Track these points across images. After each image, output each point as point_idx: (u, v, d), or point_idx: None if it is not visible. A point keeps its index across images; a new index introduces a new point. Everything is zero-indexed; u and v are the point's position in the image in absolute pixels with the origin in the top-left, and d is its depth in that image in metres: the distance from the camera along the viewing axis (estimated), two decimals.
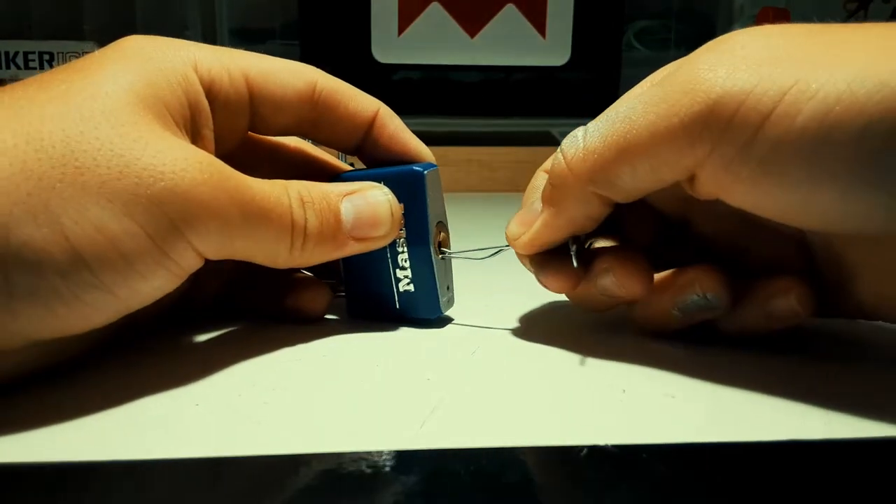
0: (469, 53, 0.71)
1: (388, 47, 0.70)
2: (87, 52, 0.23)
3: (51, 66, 0.66)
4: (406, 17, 0.69)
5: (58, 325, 0.19)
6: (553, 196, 0.23)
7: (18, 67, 0.66)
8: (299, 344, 0.25)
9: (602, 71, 0.73)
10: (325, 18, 0.70)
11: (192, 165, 0.20)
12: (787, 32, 0.20)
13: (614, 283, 0.24)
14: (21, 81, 0.21)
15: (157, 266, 0.20)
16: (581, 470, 0.17)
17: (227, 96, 0.24)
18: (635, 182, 0.21)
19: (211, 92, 0.23)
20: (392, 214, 0.25)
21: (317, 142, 0.28)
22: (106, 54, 0.22)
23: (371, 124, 0.27)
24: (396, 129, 0.27)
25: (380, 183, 0.26)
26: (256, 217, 0.22)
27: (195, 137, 0.23)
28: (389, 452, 0.18)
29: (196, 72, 0.23)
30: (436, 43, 0.70)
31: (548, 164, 0.27)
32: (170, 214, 0.20)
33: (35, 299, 0.18)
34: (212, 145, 0.24)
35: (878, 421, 0.19)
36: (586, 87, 0.73)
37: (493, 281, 0.29)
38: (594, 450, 0.18)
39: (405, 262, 0.26)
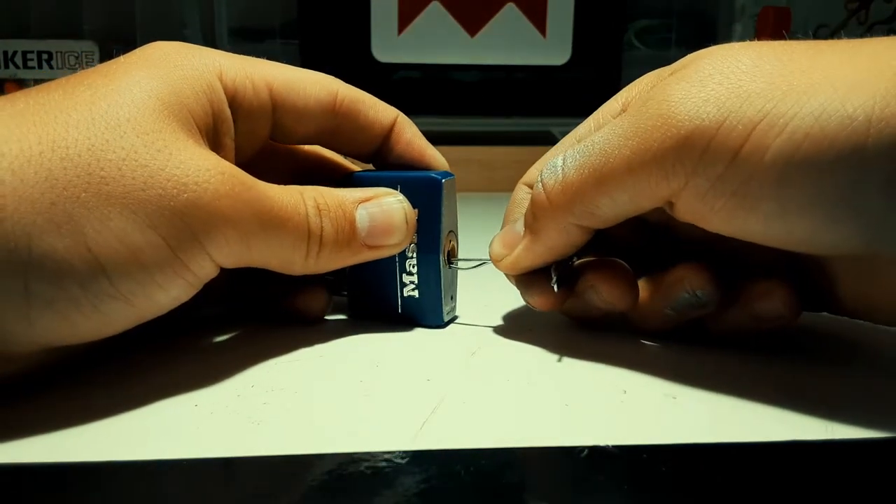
0: (469, 53, 0.70)
1: (388, 47, 0.70)
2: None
3: (49, 66, 0.66)
4: (406, 16, 0.69)
5: (72, 333, 0.19)
6: (534, 225, 0.24)
7: (17, 67, 0.66)
8: (299, 344, 0.25)
9: (603, 70, 0.73)
10: (324, 17, 0.70)
11: (214, 177, 0.20)
12: (756, 56, 0.20)
13: (600, 298, 0.24)
14: (44, 85, 0.21)
15: (175, 276, 0.20)
16: (582, 470, 0.17)
17: (251, 105, 0.24)
18: (615, 211, 0.22)
19: (234, 101, 0.23)
20: (407, 223, 0.25)
21: (334, 150, 0.28)
22: (131, 60, 0.22)
23: (389, 133, 0.27)
24: (413, 136, 0.27)
25: (396, 186, 0.26)
26: (274, 226, 0.22)
27: (216, 145, 0.23)
28: (389, 453, 0.18)
29: (220, 80, 0.23)
30: (436, 42, 0.70)
31: (528, 176, 0.27)
32: (192, 226, 0.20)
33: (53, 309, 0.18)
34: (232, 154, 0.24)
35: (877, 421, 0.19)
36: (587, 86, 0.73)
37: (492, 281, 0.29)
38: (595, 450, 0.18)
39: (413, 267, 0.26)
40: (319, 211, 0.23)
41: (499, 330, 0.27)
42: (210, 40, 0.74)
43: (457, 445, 0.18)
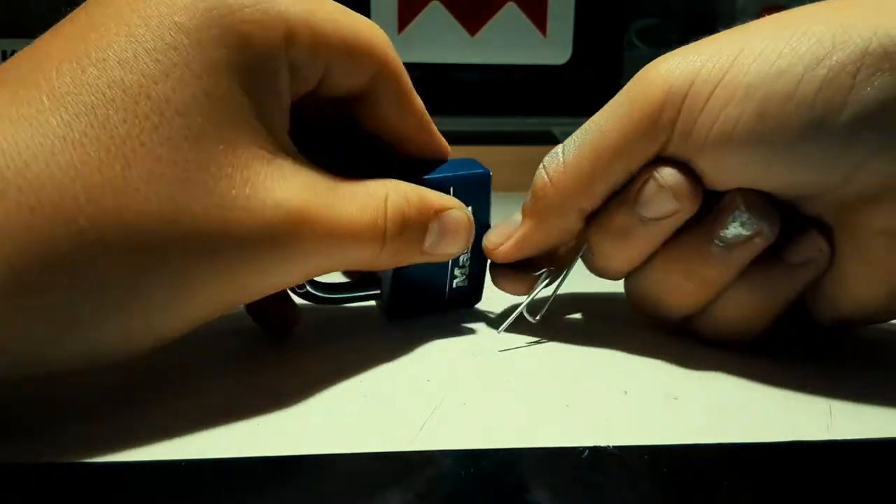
0: (469, 52, 0.70)
1: None
2: None
3: None
4: (406, 15, 0.69)
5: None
6: (535, 209, 0.24)
7: None
8: (298, 345, 0.25)
9: (603, 70, 0.73)
10: None
11: (300, 213, 0.20)
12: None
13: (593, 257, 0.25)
14: (82, 72, 0.17)
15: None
16: (582, 471, 0.17)
17: (308, 71, 0.21)
18: (611, 184, 0.23)
19: (293, 66, 0.21)
20: (468, 238, 0.25)
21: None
22: (193, 31, 0.18)
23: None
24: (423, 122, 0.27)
25: (449, 189, 0.25)
26: (348, 247, 0.21)
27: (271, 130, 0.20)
28: (389, 454, 0.18)
29: (287, 42, 0.20)
30: (436, 41, 0.70)
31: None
32: (274, 271, 0.20)
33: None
34: (286, 127, 0.21)
35: (877, 421, 0.19)
36: (587, 85, 0.73)
37: (492, 282, 0.29)
38: (595, 451, 0.18)
39: (466, 261, 0.27)
40: (403, 225, 0.22)
41: (499, 331, 0.27)
42: None
43: (457, 446, 0.18)
